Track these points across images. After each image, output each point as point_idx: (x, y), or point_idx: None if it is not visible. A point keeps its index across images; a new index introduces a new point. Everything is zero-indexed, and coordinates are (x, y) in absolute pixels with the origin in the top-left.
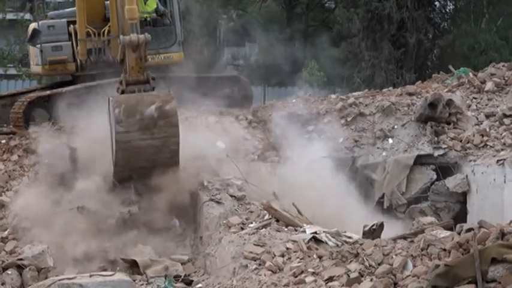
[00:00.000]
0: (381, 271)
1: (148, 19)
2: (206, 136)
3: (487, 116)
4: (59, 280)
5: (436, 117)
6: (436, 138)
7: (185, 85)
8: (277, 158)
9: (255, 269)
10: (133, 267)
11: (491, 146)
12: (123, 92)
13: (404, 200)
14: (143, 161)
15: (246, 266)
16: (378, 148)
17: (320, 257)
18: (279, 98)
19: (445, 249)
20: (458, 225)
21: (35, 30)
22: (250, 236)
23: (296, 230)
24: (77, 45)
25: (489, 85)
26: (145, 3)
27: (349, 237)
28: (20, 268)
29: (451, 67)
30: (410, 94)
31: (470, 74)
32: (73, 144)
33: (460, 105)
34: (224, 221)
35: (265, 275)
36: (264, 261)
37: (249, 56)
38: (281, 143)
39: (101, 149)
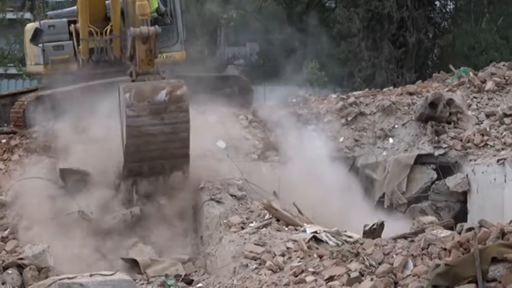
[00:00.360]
0: (381, 270)
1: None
2: (206, 136)
3: (488, 116)
4: (60, 280)
5: (436, 116)
6: (436, 138)
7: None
8: (278, 158)
9: (256, 268)
10: (133, 266)
11: (491, 146)
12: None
13: (405, 200)
14: (154, 151)
15: (247, 266)
16: (378, 147)
17: (320, 257)
18: (280, 98)
19: (445, 249)
20: (458, 225)
21: (37, 30)
22: (251, 236)
23: (296, 230)
24: (78, 45)
25: (489, 84)
26: None
27: (350, 237)
28: (20, 268)
29: (451, 66)
30: (411, 93)
31: (471, 74)
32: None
33: (460, 104)
34: (224, 221)
35: (265, 275)
36: (265, 261)
37: (250, 56)
38: (281, 142)
39: (102, 149)
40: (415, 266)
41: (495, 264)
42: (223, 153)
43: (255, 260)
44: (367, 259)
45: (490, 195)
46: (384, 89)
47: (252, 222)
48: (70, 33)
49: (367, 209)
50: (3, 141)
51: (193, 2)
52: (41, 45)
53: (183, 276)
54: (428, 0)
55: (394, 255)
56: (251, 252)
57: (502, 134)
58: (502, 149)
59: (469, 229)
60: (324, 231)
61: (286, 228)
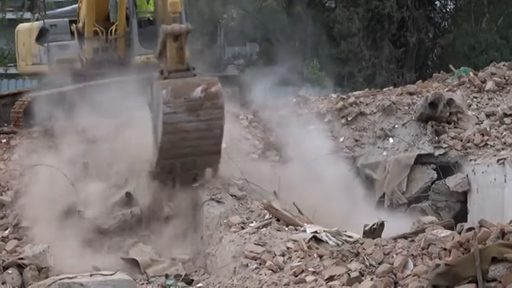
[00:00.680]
0: (381, 270)
1: (151, 18)
2: None
3: (488, 116)
4: (60, 279)
5: (436, 116)
6: (436, 138)
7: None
8: (278, 158)
9: (256, 268)
10: (133, 266)
11: (491, 146)
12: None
13: (405, 200)
14: (188, 147)
15: (247, 266)
16: (378, 147)
17: (320, 257)
18: (280, 97)
19: (445, 249)
20: (458, 225)
21: (43, 29)
22: (251, 236)
23: (296, 230)
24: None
25: (490, 84)
26: (147, 3)
27: (350, 237)
28: (20, 267)
29: (451, 66)
30: (411, 93)
31: (471, 74)
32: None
33: (460, 104)
34: (225, 221)
35: (265, 275)
36: (265, 261)
37: (250, 56)
38: (281, 142)
39: (105, 148)
40: (415, 265)
41: (495, 264)
42: (223, 153)
43: (255, 260)
44: (367, 259)
45: (490, 195)
46: (384, 89)
47: (252, 222)
48: (72, 33)
49: (367, 209)
50: (4, 141)
51: (194, 2)
52: (46, 44)
53: (183, 276)
54: (428, 0)
55: (394, 255)
56: (251, 252)
57: (502, 134)
58: (502, 149)
59: (469, 229)
60: (324, 231)
61: (286, 228)
